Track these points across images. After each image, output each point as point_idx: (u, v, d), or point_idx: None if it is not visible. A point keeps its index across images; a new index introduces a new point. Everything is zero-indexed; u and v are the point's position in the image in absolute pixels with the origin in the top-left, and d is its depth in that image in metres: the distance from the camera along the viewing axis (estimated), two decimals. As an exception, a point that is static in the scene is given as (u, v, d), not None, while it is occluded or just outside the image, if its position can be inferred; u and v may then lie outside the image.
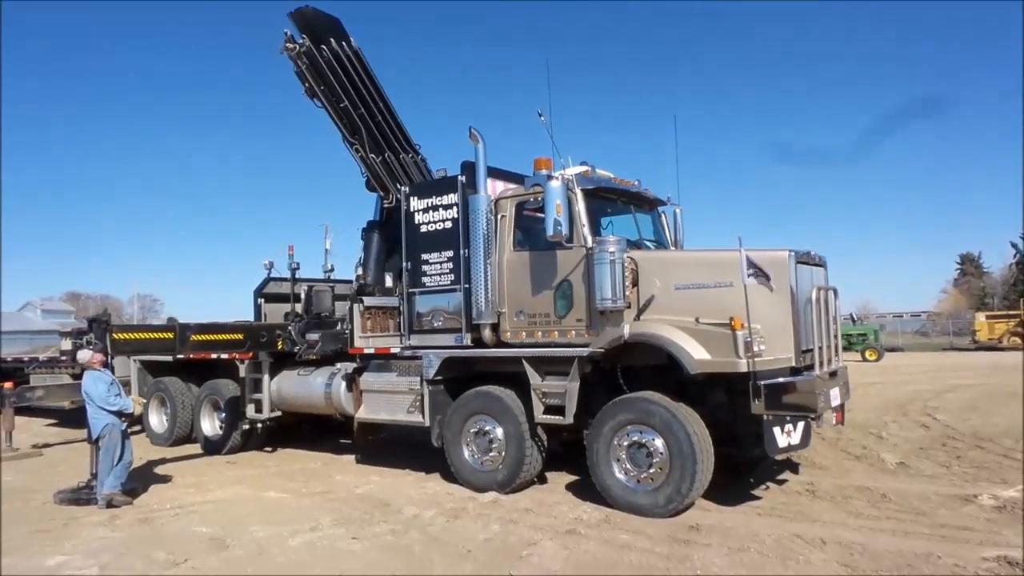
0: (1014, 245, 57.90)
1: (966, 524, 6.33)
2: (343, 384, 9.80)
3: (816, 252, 7.65)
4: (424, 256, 8.84)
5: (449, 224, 8.61)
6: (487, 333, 8.22)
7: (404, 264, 9.09)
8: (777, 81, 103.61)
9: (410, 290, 8.97)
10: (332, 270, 11.73)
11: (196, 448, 11.70)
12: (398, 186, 10.20)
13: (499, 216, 8.34)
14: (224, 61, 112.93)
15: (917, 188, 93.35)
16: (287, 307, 11.28)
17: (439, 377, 8.64)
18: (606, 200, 8.45)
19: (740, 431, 7.50)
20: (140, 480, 8.87)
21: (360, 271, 10.72)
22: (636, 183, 8.91)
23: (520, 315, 8.13)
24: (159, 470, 9.93)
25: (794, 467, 8.79)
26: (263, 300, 11.43)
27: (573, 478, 8.57)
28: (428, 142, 11.09)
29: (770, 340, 6.73)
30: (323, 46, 9.69)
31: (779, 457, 7.72)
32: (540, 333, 7.98)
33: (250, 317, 11.82)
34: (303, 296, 11.07)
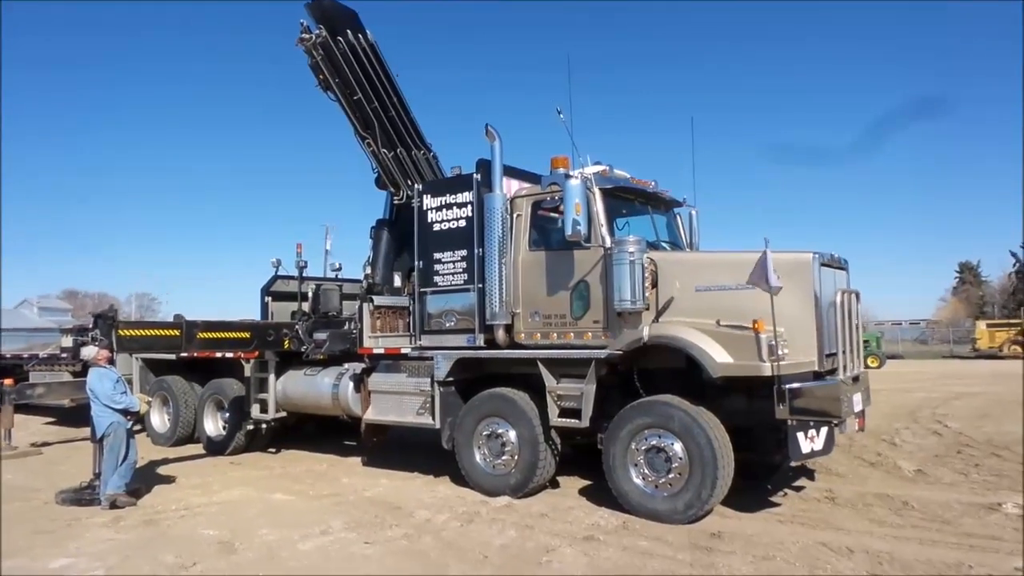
0: (1014, 254, 57.96)
1: (993, 533, 6.19)
2: (351, 385, 9.64)
3: (839, 254, 7.52)
4: (437, 255, 8.69)
5: (463, 223, 8.46)
6: (501, 334, 8.07)
7: (416, 263, 8.94)
8: (775, 80, 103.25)
9: (422, 290, 8.81)
10: (340, 268, 11.58)
11: (198, 448, 11.52)
12: (409, 183, 10.10)
13: (515, 215, 8.20)
14: (223, 56, 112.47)
15: (916, 195, 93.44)
16: (294, 306, 11.12)
17: (450, 378, 8.48)
18: (623, 200, 8.31)
19: (759, 436, 7.39)
20: (143, 481, 8.68)
21: (369, 270, 10.60)
22: (653, 183, 8.78)
23: (535, 316, 7.98)
24: (162, 470, 9.76)
25: (810, 473, 8.64)
26: (270, 298, 11.26)
27: (586, 482, 8.42)
28: (438, 140, 10.94)
29: (793, 344, 6.59)
30: (339, 38, 9.62)
31: (801, 463, 7.57)
32: (555, 334, 7.83)
33: (251, 316, 11.68)
34: (311, 295, 10.91)
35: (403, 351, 9.02)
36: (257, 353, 10.33)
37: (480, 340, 8.23)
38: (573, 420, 7.42)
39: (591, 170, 7.84)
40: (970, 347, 42.03)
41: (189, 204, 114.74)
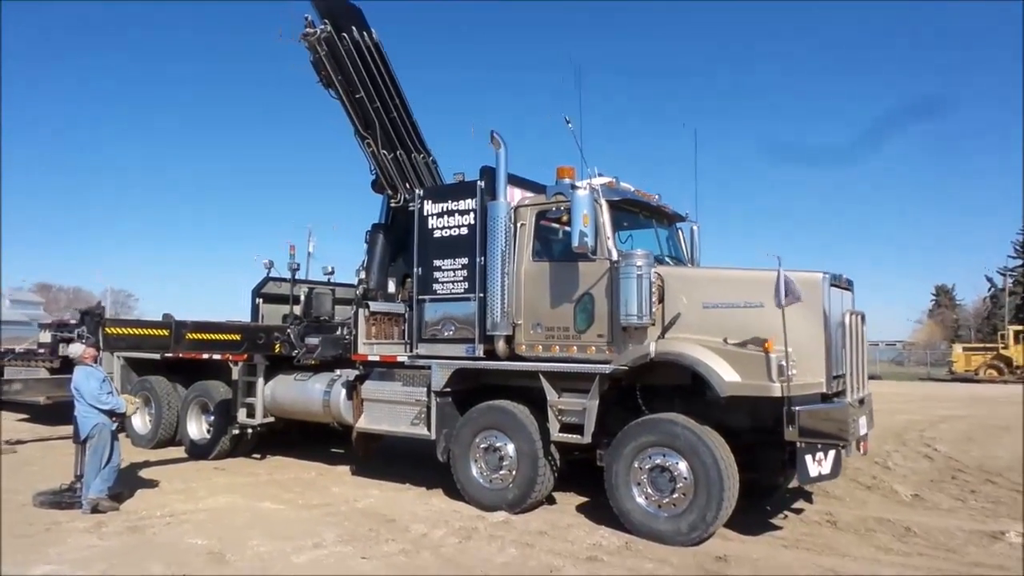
0: (989, 279, 58.99)
1: (1000, 563, 6.13)
2: (343, 392, 9.42)
3: (845, 275, 7.47)
4: (436, 262, 8.52)
5: (465, 230, 8.31)
6: (501, 345, 7.91)
7: (415, 270, 8.76)
8: (755, 82, 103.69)
9: (420, 297, 8.63)
10: (332, 272, 11.35)
11: (180, 451, 11.20)
12: (408, 186, 9.95)
13: (518, 224, 8.07)
14: (200, 53, 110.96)
15: (893, 217, 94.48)
16: (285, 308, 10.88)
17: (448, 389, 8.29)
18: (628, 213, 8.22)
19: (762, 457, 7.30)
20: (124, 484, 8.38)
21: (363, 275, 10.39)
22: (657, 197, 8.70)
23: (537, 328, 7.84)
24: (144, 474, 9.45)
25: (808, 495, 8.56)
26: (261, 300, 11.00)
27: (583, 499, 8.27)
28: (435, 143, 10.77)
29: (801, 364, 6.49)
30: (344, 34, 9.52)
31: (808, 487, 7.47)
32: (558, 347, 7.69)
33: (232, 316, 11.43)
34: (303, 298, 10.68)
35: (399, 359, 8.82)
36: (246, 356, 10.08)
37: (480, 350, 8.06)
38: (575, 436, 7.27)
39: (599, 181, 7.74)
40: (947, 370, 42.44)
41: (170, 201, 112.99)
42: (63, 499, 7.58)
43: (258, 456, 10.99)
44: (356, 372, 9.30)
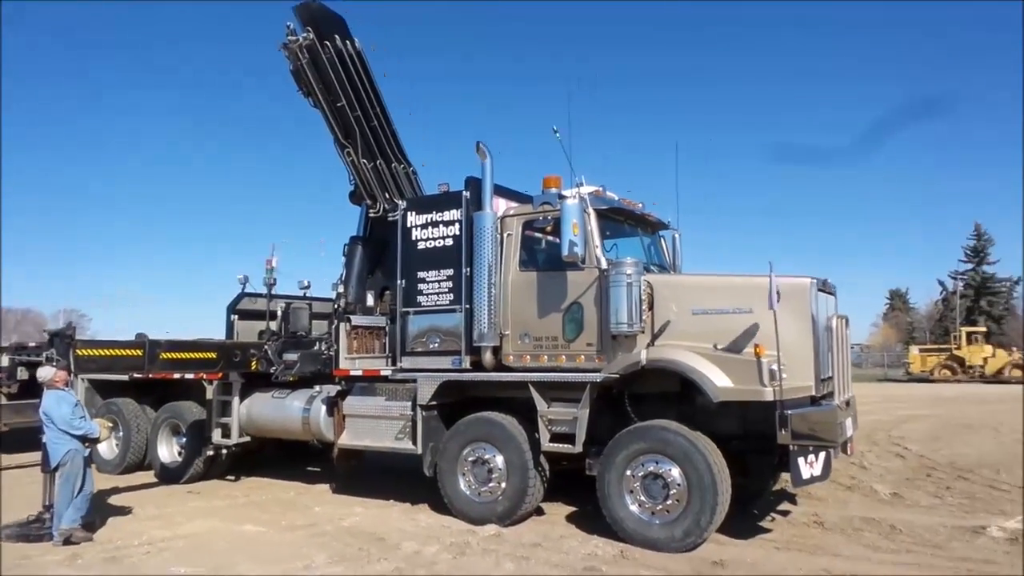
0: (941, 283, 60.92)
1: (986, 557, 6.27)
2: (324, 408, 9.21)
3: (830, 280, 7.60)
4: (421, 274, 8.41)
5: (450, 241, 8.23)
6: (488, 356, 7.84)
7: (399, 282, 8.64)
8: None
9: (404, 309, 8.51)
10: (308, 287, 11.11)
11: (150, 476, 10.79)
12: (387, 196, 9.86)
13: (505, 235, 8.03)
14: (149, 64, 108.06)
15: (848, 222, 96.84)
16: (261, 325, 10.60)
17: (434, 402, 8.17)
18: (613, 221, 8.25)
19: (751, 462, 7.37)
20: (95, 512, 8.02)
21: (341, 288, 10.20)
22: (640, 205, 8.76)
23: (525, 338, 7.79)
24: (114, 500, 9.06)
25: (791, 497, 8.65)
26: (236, 317, 10.71)
27: (571, 509, 8.23)
28: (415, 157, 10.69)
29: (790, 368, 6.57)
30: (327, 42, 9.46)
31: (799, 489, 7.53)
32: (546, 357, 7.65)
33: (190, 334, 11.01)
34: (280, 314, 10.44)
35: (383, 373, 8.67)
36: (221, 374, 9.80)
37: (467, 362, 7.97)
38: (566, 445, 7.22)
39: (586, 190, 7.75)
40: (903, 371, 43.71)
41: (121, 219, 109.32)
42: (31, 531, 7.21)
43: (232, 478, 10.66)
44: (337, 387, 9.11)
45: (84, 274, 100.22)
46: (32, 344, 13.61)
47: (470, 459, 7.86)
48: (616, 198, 8.33)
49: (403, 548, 6.76)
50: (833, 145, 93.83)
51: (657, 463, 6.74)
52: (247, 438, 10.06)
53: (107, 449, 11.25)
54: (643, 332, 7.11)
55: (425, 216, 8.44)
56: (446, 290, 8.20)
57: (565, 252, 7.08)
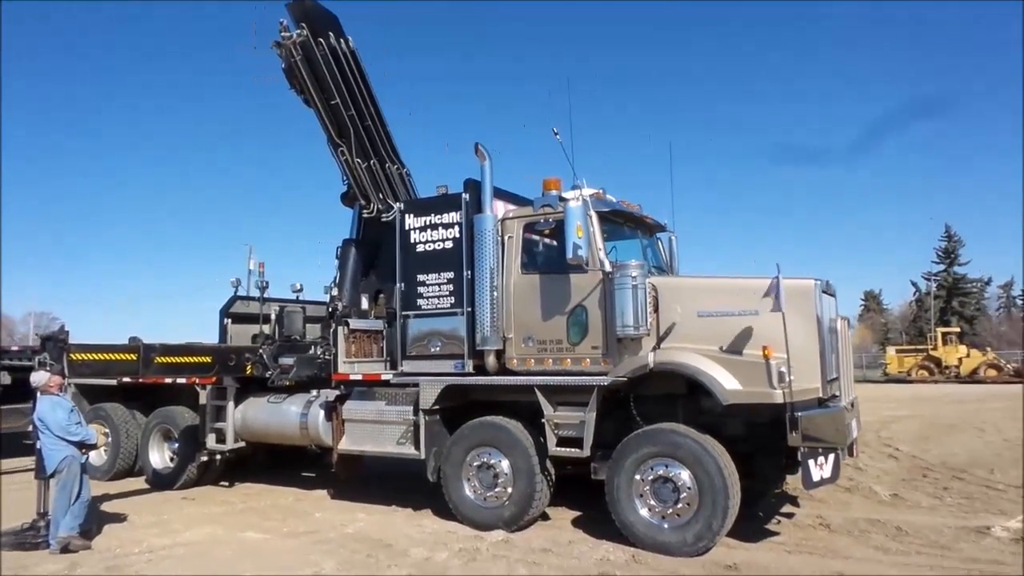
0: (914, 284, 61.96)
1: (994, 558, 6.33)
2: (322, 413, 9.09)
3: (831, 281, 7.64)
4: (420, 277, 8.33)
5: (450, 244, 8.16)
6: (491, 360, 7.78)
7: (398, 285, 8.54)
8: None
9: (404, 312, 8.41)
10: (301, 290, 10.98)
11: (140, 482, 10.59)
12: (381, 196, 9.78)
13: (505, 237, 7.97)
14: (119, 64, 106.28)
15: (825, 225, 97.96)
16: (254, 328, 10.45)
17: (436, 407, 8.09)
18: (613, 223, 8.23)
19: (758, 464, 7.39)
20: (92, 520, 7.83)
21: (335, 291, 10.10)
22: (639, 207, 8.75)
23: (528, 341, 7.74)
24: (108, 507, 8.85)
25: (793, 499, 8.70)
26: (229, 320, 10.54)
27: (576, 513, 8.19)
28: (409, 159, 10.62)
29: (797, 370, 6.57)
30: (320, 39, 9.45)
31: (806, 491, 7.52)
32: (551, 360, 7.60)
33: (167, 338, 10.81)
34: (273, 317, 10.29)
35: (384, 377, 8.57)
36: (215, 379, 9.63)
37: (469, 366, 7.90)
38: (574, 449, 7.19)
39: (588, 192, 7.72)
40: (881, 371, 44.38)
41: (89, 217, 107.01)
42: (26, 539, 7.03)
43: (226, 484, 10.49)
44: (335, 392, 9.00)
45: (53, 276, 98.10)
46: (14, 348, 13.29)
47: (475, 464, 7.79)
48: (615, 200, 8.31)
49: (412, 555, 6.68)
50: (821, 145, 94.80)
51: (667, 467, 6.73)
52: (242, 443, 9.91)
53: (96, 455, 10.97)
54: (649, 335, 7.09)
55: (424, 218, 8.36)
56: (447, 293, 8.12)
57: (569, 255, 7.04)
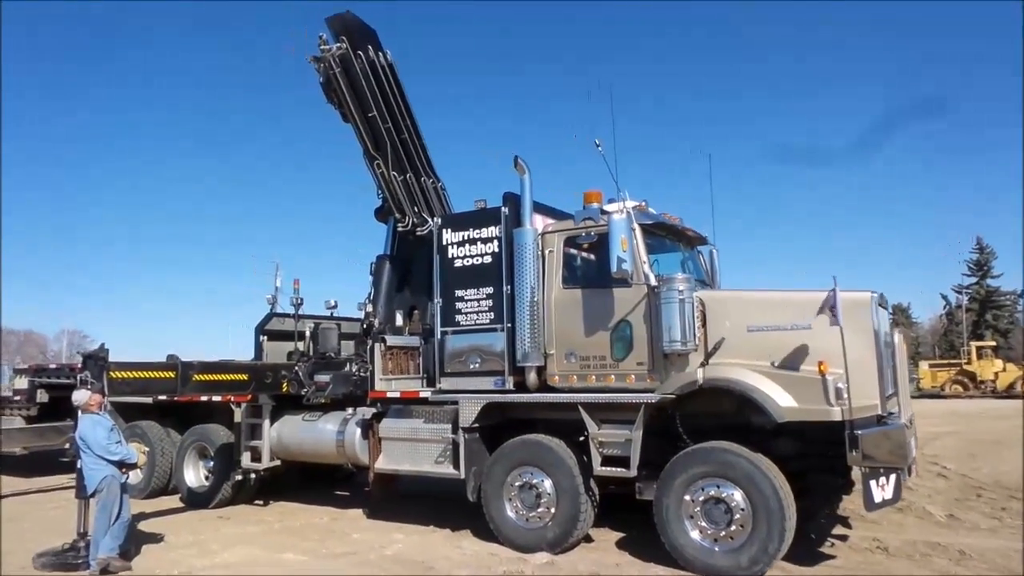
0: (944, 297, 60.74)
1: (1069, 584, 6.02)
2: (358, 431, 8.96)
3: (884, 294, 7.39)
4: (459, 293, 8.21)
5: (489, 259, 8.04)
6: (532, 377, 7.63)
7: (435, 301, 8.43)
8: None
9: (443, 329, 8.29)
10: (335, 306, 10.89)
11: (175, 501, 10.53)
12: (416, 210, 9.73)
13: (546, 251, 7.84)
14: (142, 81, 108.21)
15: (846, 237, 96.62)
16: (289, 345, 10.38)
17: (476, 424, 7.93)
18: (655, 236, 8.05)
19: (815, 483, 7.13)
20: (130, 540, 7.76)
21: (369, 307, 10.01)
22: (680, 219, 8.58)
23: (570, 357, 7.57)
24: (144, 526, 8.78)
25: (844, 520, 8.39)
26: (265, 337, 10.49)
27: (619, 535, 7.96)
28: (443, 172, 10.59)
29: (854, 386, 6.34)
30: (359, 52, 9.48)
31: (871, 512, 7.21)
32: (594, 377, 7.42)
33: (199, 355, 10.76)
34: (308, 334, 10.22)
35: (422, 395, 8.44)
36: (251, 397, 9.56)
37: (510, 383, 7.75)
38: (620, 469, 6.97)
39: (630, 204, 7.57)
40: (914, 386, 43.40)
41: (121, 234, 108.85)
42: (67, 559, 6.96)
43: (261, 503, 10.39)
44: (371, 410, 8.88)
45: (84, 295, 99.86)
46: (53, 366, 13.39)
47: (517, 484, 7.61)
48: (657, 213, 8.15)
49: (454, 578, 6.50)
50: (830, 147, 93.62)
51: (719, 487, 6.50)
52: (277, 462, 9.81)
53: (132, 473, 10.97)
54: (696, 350, 6.90)
55: (462, 233, 8.26)
56: (486, 309, 7.99)
57: (614, 269, 6.87)
